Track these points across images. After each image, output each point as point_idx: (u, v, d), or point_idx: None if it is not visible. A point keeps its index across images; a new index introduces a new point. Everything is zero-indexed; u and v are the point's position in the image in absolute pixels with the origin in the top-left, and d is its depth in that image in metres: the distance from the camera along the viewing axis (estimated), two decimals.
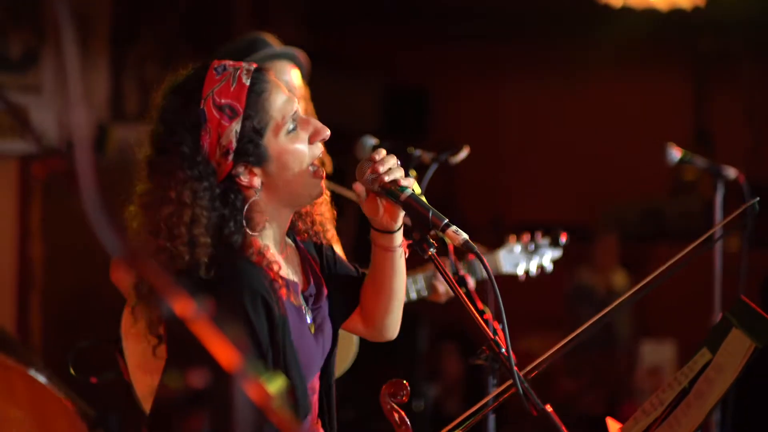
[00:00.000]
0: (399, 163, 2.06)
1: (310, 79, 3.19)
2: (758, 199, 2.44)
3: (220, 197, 1.98)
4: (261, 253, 1.99)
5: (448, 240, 1.97)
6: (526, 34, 8.37)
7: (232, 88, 1.99)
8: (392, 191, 2.02)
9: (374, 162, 2.03)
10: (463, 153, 3.19)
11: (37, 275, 5.89)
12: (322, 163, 2.18)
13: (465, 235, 1.95)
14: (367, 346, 2.85)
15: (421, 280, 3.18)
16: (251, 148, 1.99)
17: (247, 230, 1.99)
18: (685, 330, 5.75)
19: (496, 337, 1.98)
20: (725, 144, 8.25)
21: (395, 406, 2.16)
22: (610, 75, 8.53)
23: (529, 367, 2.12)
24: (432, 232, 2.00)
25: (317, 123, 2.07)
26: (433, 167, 3.12)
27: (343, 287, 2.23)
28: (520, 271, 3.41)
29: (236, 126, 1.98)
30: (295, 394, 1.97)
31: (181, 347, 1.88)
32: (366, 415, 5.92)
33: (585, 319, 2.22)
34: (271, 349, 1.94)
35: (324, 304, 2.17)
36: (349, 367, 3.15)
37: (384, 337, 2.30)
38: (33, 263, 5.88)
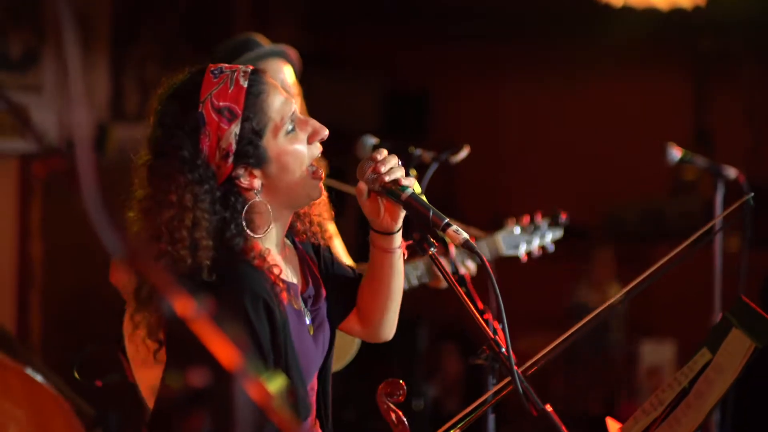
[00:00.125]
0: (400, 162, 2.06)
1: (310, 80, 3.20)
2: (753, 194, 2.44)
3: (220, 200, 1.97)
4: (262, 256, 1.99)
5: (448, 239, 1.97)
6: (526, 34, 8.36)
7: (230, 91, 1.98)
8: (393, 191, 2.02)
9: (375, 161, 2.03)
10: (463, 153, 3.20)
11: (37, 274, 5.89)
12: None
13: (465, 235, 1.95)
14: (367, 346, 2.86)
15: (421, 266, 3.18)
16: (251, 150, 1.98)
17: (248, 232, 1.99)
18: (685, 330, 5.75)
19: (496, 336, 1.98)
20: (725, 144, 8.24)
21: (392, 406, 2.16)
22: (610, 75, 8.52)
23: (527, 364, 2.12)
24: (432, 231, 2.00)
25: (315, 123, 2.07)
26: (434, 167, 3.13)
27: (341, 288, 2.23)
28: (521, 253, 3.40)
29: (235, 128, 1.97)
30: (295, 396, 1.97)
31: (181, 347, 1.87)
32: (366, 414, 5.93)
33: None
34: (273, 352, 1.94)
35: (322, 305, 2.17)
36: (349, 368, 3.14)
37: (381, 337, 2.30)
38: (33, 262, 5.88)
